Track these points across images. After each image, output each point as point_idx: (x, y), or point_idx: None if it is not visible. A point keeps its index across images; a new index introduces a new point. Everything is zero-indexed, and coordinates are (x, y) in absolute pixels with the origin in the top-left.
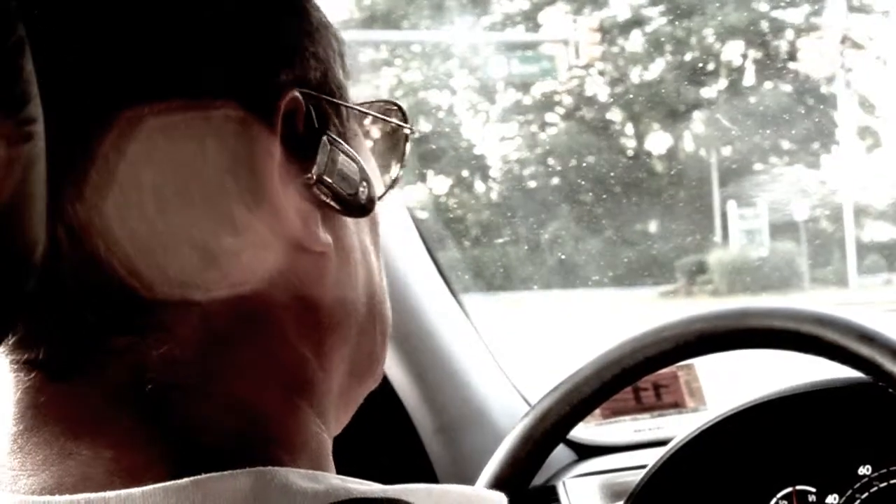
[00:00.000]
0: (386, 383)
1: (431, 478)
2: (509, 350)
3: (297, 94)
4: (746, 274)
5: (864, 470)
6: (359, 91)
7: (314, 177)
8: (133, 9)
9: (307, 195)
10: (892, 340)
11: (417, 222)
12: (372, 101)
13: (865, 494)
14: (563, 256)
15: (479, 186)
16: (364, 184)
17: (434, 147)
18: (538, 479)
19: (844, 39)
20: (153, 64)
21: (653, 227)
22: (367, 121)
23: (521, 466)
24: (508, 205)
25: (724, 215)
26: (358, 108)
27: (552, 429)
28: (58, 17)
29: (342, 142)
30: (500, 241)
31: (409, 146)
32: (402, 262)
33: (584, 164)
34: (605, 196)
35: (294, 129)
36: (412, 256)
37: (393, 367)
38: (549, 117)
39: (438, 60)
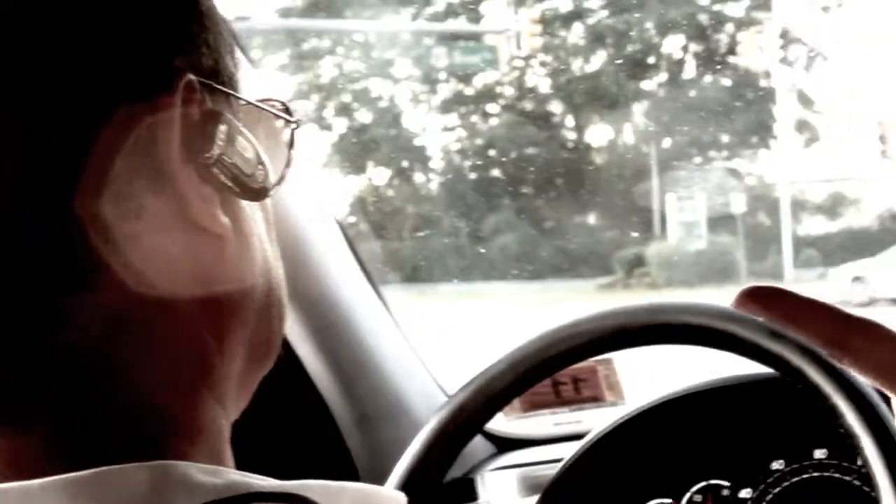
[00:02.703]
0: (304, 375)
1: (351, 470)
2: (436, 342)
3: (192, 78)
4: (684, 266)
5: (776, 465)
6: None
7: (213, 157)
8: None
9: (206, 177)
10: (801, 338)
11: (337, 214)
12: (261, 99)
13: (778, 489)
14: (502, 248)
15: (419, 177)
16: (261, 167)
17: (374, 137)
18: (456, 472)
19: (784, 34)
20: (48, 48)
21: (592, 219)
22: (256, 113)
23: (435, 459)
24: (448, 196)
25: (662, 208)
26: (247, 99)
27: (467, 422)
28: None
29: (238, 126)
30: (439, 232)
31: (295, 140)
32: (321, 253)
33: (525, 156)
34: (544, 188)
35: (190, 114)
36: (332, 248)
37: (311, 358)
38: (490, 108)
39: (380, 50)
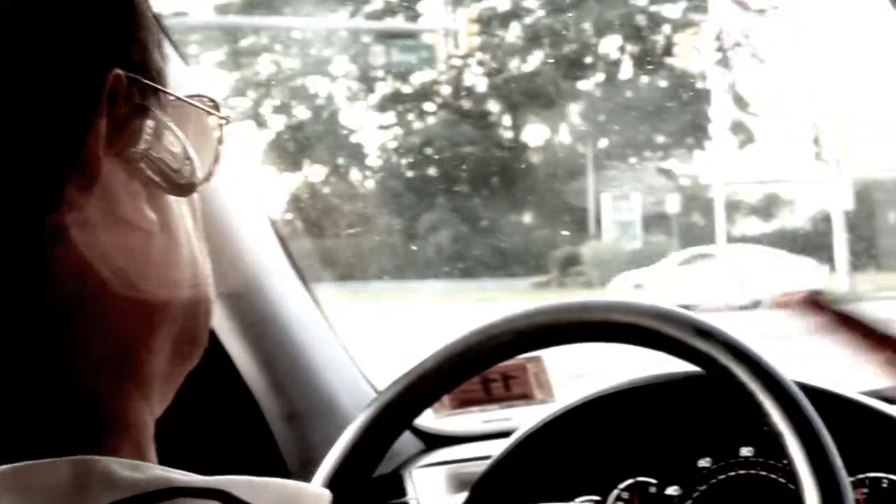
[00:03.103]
0: (234, 371)
1: (280, 466)
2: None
3: (119, 72)
4: (618, 266)
5: (703, 463)
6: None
7: (140, 152)
8: None
9: (133, 172)
10: (727, 336)
11: (271, 211)
12: (190, 95)
13: (705, 486)
14: (436, 246)
15: (355, 175)
16: (188, 162)
17: (311, 135)
18: (385, 468)
19: (720, 36)
20: None
21: (527, 218)
22: (185, 109)
23: (363, 456)
24: (384, 194)
25: (597, 207)
26: (175, 94)
27: (396, 418)
28: None
29: (166, 121)
30: (374, 230)
31: (224, 136)
32: (252, 250)
33: (461, 155)
34: (480, 186)
35: (118, 108)
36: (263, 245)
37: (241, 355)
38: (427, 107)
39: (318, 48)
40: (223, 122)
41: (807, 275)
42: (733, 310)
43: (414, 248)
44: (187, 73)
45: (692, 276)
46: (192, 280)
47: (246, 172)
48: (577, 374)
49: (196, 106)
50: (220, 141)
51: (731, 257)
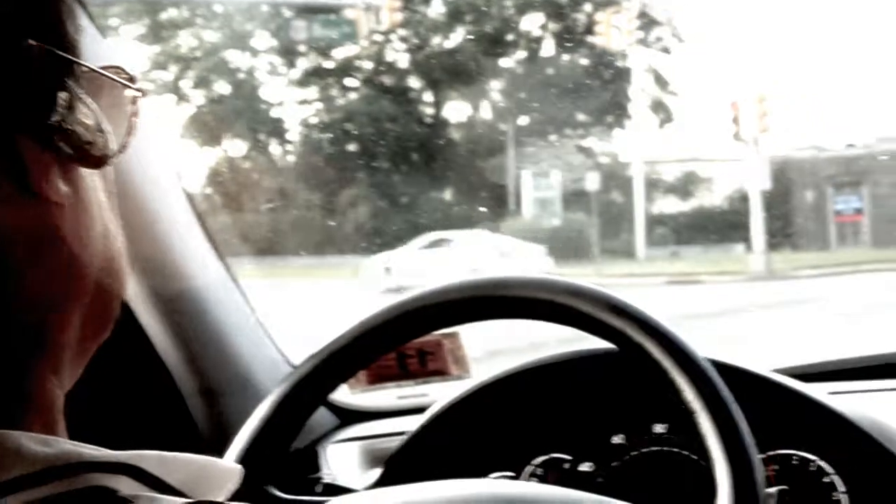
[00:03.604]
0: (149, 345)
1: (196, 440)
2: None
3: (32, 43)
4: (538, 243)
5: (617, 439)
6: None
7: (53, 124)
8: None
9: (45, 144)
10: (640, 312)
11: (189, 185)
12: (104, 67)
13: (618, 462)
14: (357, 222)
15: (275, 150)
16: (101, 134)
17: (231, 109)
18: (300, 443)
19: (641, 15)
20: None
21: (448, 194)
22: (100, 81)
23: (278, 430)
24: (304, 169)
25: (517, 185)
26: (89, 66)
27: (310, 393)
28: None
29: (79, 93)
30: (294, 205)
31: (139, 108)
32: (169, 224)
33: (382, 131)
34: (401, 163)
35: (31, 80)
36: (180, 219)
37: (156, 329)
38: (349, 82)
39: (239, 22)
40: (138, 94)
41: (536, 260)
42: None
43: (333, 223)
44: (104, 45)
45: (431, 260)
46: (104, 253)
47: (163, 146)
48: (496, 350)
49: (110, 78)
50: (134, 113)
51: (465, 242)
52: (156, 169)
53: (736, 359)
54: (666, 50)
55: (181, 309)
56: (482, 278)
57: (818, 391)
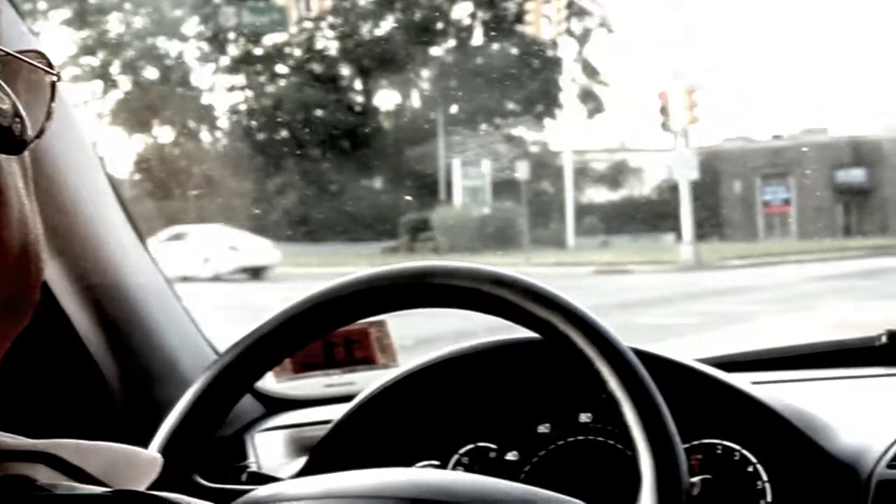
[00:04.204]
0: (72, 332)
1: (119, 429)
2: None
3: None
4: (468, 232)
5: (543, 428)
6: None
7: None
8: None
9: None
10: (566, 302)
11: (109, 170)
12: (20, 51)
13: (544, 452)
14: (287, 210)
15: (205, 137)
16: (18, 120)
17: (160, 95)
18: (226, 432)
19: (571, 4)
20: None
21: (378, 182)
22: (16, 65)
23: (203, 418)
24: (234, 156)
25: (448, 173)
26: (5, 50)
27: (236, 381)
28: None
29: None
30: (223, 192)
31: (56, 92)
32: (92, 210)
33: (312, 118)
34: (331, 150)
35: None
36: (103, 205)
37: (79, 316)
38: (279, 69)
39: (169, 7)
40: (55, 78)
41: (265, 254)
42: (206, 281)
43: (261, 210)
44: (22, 29)
45: (169, 253)
46: (21, 239)
47: (86, 132)
48: (425, 338)
49: (26, 62)
50: (52, 98)
51: (200, 235)
52: (78, 155)
53: (660, 349)
54: (595, 40)
55: (104, 296)
56: (408, 266)
57: (742, 381)
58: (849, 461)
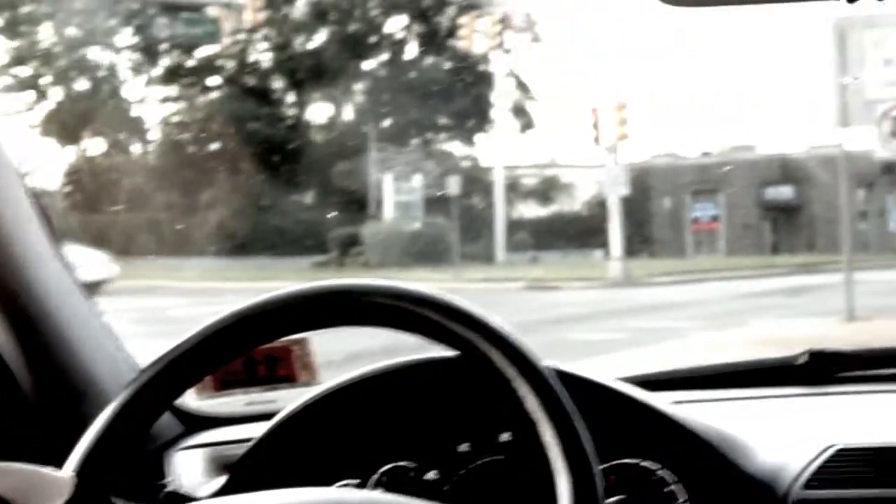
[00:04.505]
0: None
1: (37, 447)
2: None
3: None
4: (398, 247)
5: (463, 447)
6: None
7: None
8: None
9: None
10: (486, 321)
11: (29, 183)
12: None
13: (463, 471)
14: (218, 223)
15: (136, 149)
16: None
17: (92, 106)
18: (145, 450)
19: (503, 20)
20: None
21: (309, 197)
22: None
23: (121, 437)
24: (165, 169)
25: (379, 188)
26: None
27: (155, 398)
28: None
29: None
30: (154, 206)
31: None
32: (9, 225)
33: (244, 131)
34: (263, 164)
35: None
36: (21, 219)
37: None
38: (211, 81)
39: (102, 17)
40: None
41: (99, 268)
42: None
43: (192, 224)
44: None
45: None
46: None
47: (4, 143)
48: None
49: None
50: None
51: None
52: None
53: (581, 368)
54: (527, 55)
55: (22, 311)
56: (328, 284)
57: (662, 400)
58: (766, 481)
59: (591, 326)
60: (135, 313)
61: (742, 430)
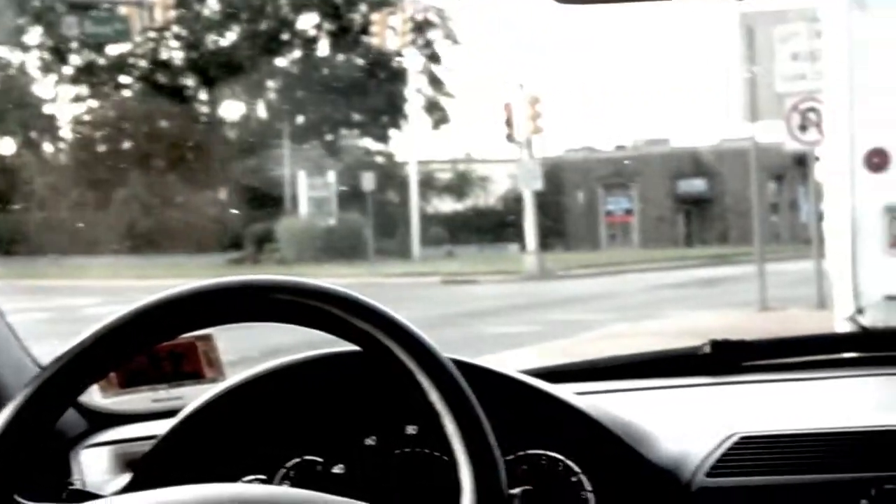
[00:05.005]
0: None
1: None
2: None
3: None
4: (313, 243)
5: (370, 441)
6: None
7: None
8: None
9: None
10: (388, 315)
11: None
12: None
13: (370, 464)
14: (130, 221)
15: (47, 148)
16: None
17: (1, 106)
18: (49, 448)
19: (416, 16)
20: None
21: (223, 194)
22: None
23: (23, 435)
24: (76, 167)
25: (293, 184)
26: None
27: (57, 396)
28: None
29: None
30: (65, 204)
31: None
32: None
33: (157, 129)
34: (176, 161)
35: None
36: None
37: None
38: (123, 80)
39: (9, 16)
40: None
41: None
42: None
43: (105, 222)
44: None
45: None
46: None
47: None
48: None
49: None
50: None
51: None
52: None
53: (483, 360)
54: (440, 51)
55: None
56: (229, 280)
57: (564, 391)
58: (669, 469)
59: (507, 319)
60: (47, 313)
61: (645, 420)
